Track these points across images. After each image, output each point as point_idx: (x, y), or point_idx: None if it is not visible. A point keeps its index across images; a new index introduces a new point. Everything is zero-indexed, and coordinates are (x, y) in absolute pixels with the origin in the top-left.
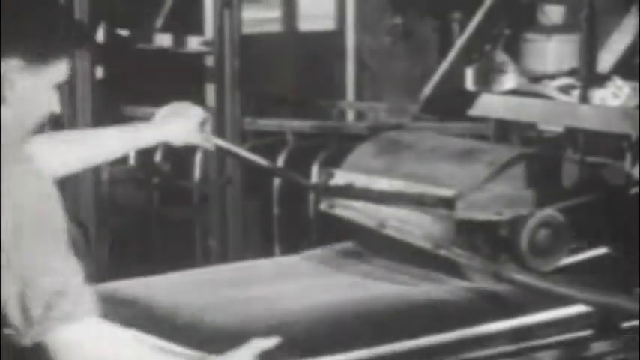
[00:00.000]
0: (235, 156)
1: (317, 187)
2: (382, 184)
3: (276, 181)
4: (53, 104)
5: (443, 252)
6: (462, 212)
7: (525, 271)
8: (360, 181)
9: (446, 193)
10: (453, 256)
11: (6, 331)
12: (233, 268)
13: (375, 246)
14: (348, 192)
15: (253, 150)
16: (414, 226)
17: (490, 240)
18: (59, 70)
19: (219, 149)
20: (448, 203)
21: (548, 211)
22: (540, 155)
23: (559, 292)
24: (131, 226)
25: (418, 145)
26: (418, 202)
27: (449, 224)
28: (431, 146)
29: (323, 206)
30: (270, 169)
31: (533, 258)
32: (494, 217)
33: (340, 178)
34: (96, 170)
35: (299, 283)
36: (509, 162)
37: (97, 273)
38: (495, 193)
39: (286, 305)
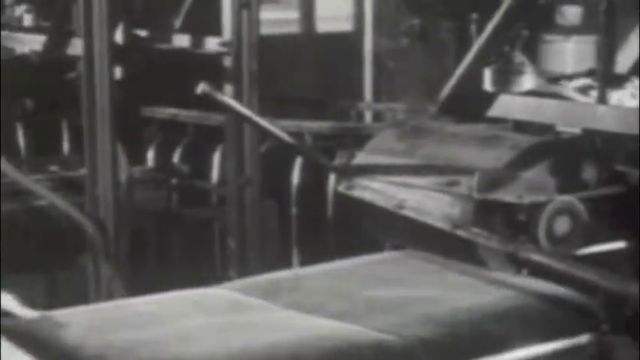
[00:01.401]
0: (259, 127)
1: (338, 167)
2: (403, 164)
3: (295, 182)
4: None
5: (461, 232)
6: (482, 193)
7: (542, 253)
8: (381, 162)
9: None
10: (470, 237)
11: None
12: (143, 303)
13: (392, 234)
14: (369, 170)
15: (271, 151)
16: (432, 206)
17: (508, 223)
18: None
19: (244, 118)
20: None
21: (568, 199)
22: (563, 144)
23: (575, 273)
24: (150, 226)
25: (440, 131)
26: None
27: (468, 205)
28: (453, 132)
29: (342, 187)
30: (293, 145)
31: (550, 244)
32: (514, 200)
33: (361, 159)
34: (114, 170)
35: (201, 322)
36: (532, 147)
37: (116, 274)
38: (517, 177)
39: (173, 351)
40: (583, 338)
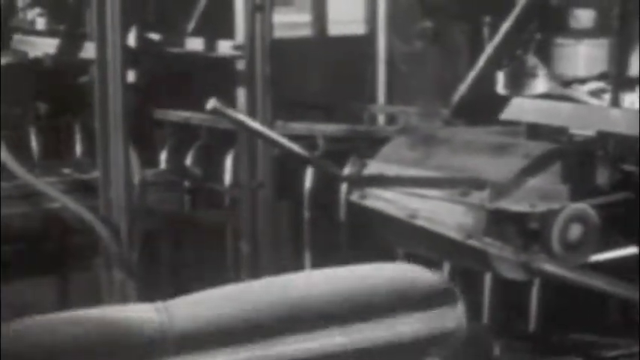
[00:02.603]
0: (272, 142)
1: (350, 177)
2: (415, 174)
3: (307, 185)
4: None
5: (474, 242)
6: (494, 202)
7: (555, 263)
8: (393, 171)
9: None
10: (483, 246)
11: None
12: None
13: (404, 242)
14: (381, 180)
15: (284, 154)
16: (445, 216)
17: (521, 231)
18: None
19: (255, 133)
20: (481, 187)
21: (580, 206)
22: (575, 151)
23: (588, 282)
24: (162, 229)
25: (452, 139)
26: (451, 187)
27: (481, 214)
28: (465, 140)
29: (354, 197)
30: (305, 156)
31: (564, 251)
32: (526, 209)
33: (373, 168)
34: (127, 173)
35: None
36: (544, 155)
37: (128, 277)
38: (529, 186)
39: None
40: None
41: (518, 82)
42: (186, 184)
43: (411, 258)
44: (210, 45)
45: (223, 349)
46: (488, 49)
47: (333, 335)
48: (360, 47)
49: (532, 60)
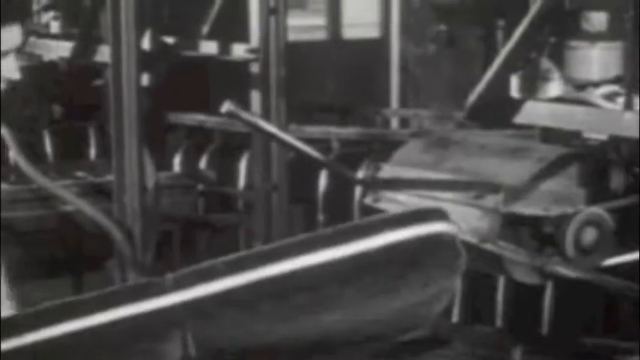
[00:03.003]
0: (286, 144)
1: (364, 179)
2: (430, 177)
3: (321, 188)
4: None
5: (488, 246)
6: (508, 206)
7: (570, 266)
8: (408, 174)
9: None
10: (497, 250)
11: None
12: None
13: None
14: (395, 183)
15: (299, 157)
16: (459, 220)
17: (535, 235)
18: None
19: (269, 136)
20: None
21: (595, 210)
22: (589, 155)
23: (602, 286)
24: (176, 232)
25: (466, 142)
26: (465, 190)
27: (495, 218)
28: (479, 143)
29: (368, 200)
30: (319, 159)
31: (578, 255)
32: (541, 213)
33: (387, 171)
34: (141, 176)
35: None
36: (558, 159)
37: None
38: (543, 189)
39: None
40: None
41: (532, 85)
42: (200, 187)
43: None
44: (225, 48)
45: None
46: (503, 53)
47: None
48: (374, 51)
49: (546, 63)
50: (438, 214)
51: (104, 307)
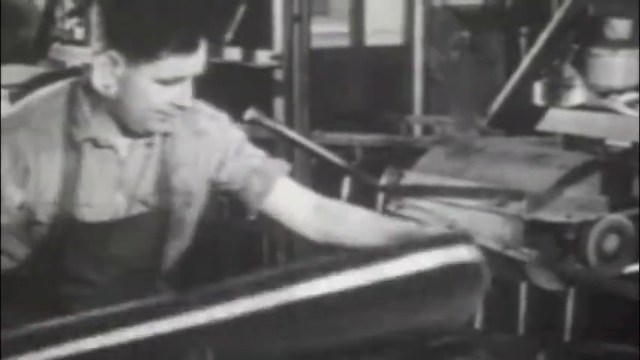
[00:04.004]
0: (309, 151)
1: (387, 186)
2: (452, 184)
3: (344, 194)
4: (154, 100)
5: (510, 252)
6: (531, 213)
7: (591, 273)
8: (431, 181)
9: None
10: (520, 257)
11: None
12: None
13: None
14: (418, 190)
15: (322, 164)
16: (482, 226)
17: (558, 242)
18: (164, 67)
19: (293, 143)
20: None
21: (617, 217)
22: (611, 162)
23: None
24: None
25: (489, 149)
26: (488, 197)
27: (518, 225)
28: (501, 150)
29: (391, 207)
30: (342, 166)
31: (599, 262)
32: (563, 220)
33: (410, 178)
34: None
35: None
36: (581, 166)
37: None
38: (566, 196)
39: None
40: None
41: (555, 92)
42: None
43: None
44: (249, 55)
45: None
46: (526, 60)
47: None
48: (397, 57)
49: (569, 71)
50: (464, 240)
51: (123, 324)
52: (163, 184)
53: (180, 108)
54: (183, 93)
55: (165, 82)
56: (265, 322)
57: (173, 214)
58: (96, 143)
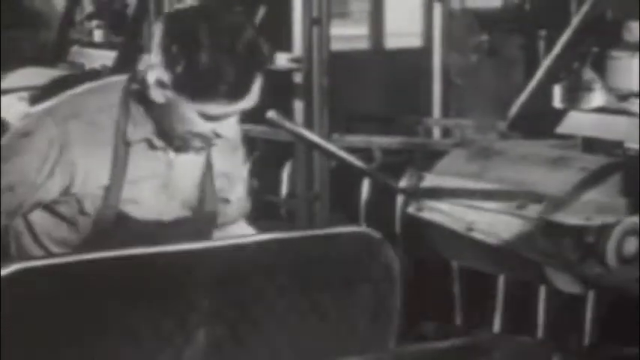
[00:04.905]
0: (329, 153)
1: (406, 189)
2: (472, 187)
3: (363, 197)
4: (198, 128)
5: (530, 255)
6: (551, 215)
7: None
8: (450, 184)
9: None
10: (539, 260)
11: None
12: None
13: (460, 255)
14: (438, 193)
15: (341, 166)
16: (501, 229)
17: (577, 245)
18: (213, 107)
19: (312, 145)
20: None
21: (636, 219)
22: (631, 165)
23: None
24: None
25: (509, 152)
26: (507, 200)
27: (537, 227)
28: (521, 153)
29: (411, 209)
30: (362, 169)
31: (619, 265)
32: (582, 222)
33: (430, 181)
34: None
35: None
36: (600, 169)
37: None
38: (585, 199)
39: None
40: None
41: (575, 95)
42: None
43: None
44: None
45: None
46: (545, 63)
47: None
48: (416, 60)
49: (588, 74)
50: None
51: None
52: (208, 189)
53: (221, 136)
54: (229, 126)
55: (210, 118)
56: None
57: (215, 220)
58: (151, 144)
